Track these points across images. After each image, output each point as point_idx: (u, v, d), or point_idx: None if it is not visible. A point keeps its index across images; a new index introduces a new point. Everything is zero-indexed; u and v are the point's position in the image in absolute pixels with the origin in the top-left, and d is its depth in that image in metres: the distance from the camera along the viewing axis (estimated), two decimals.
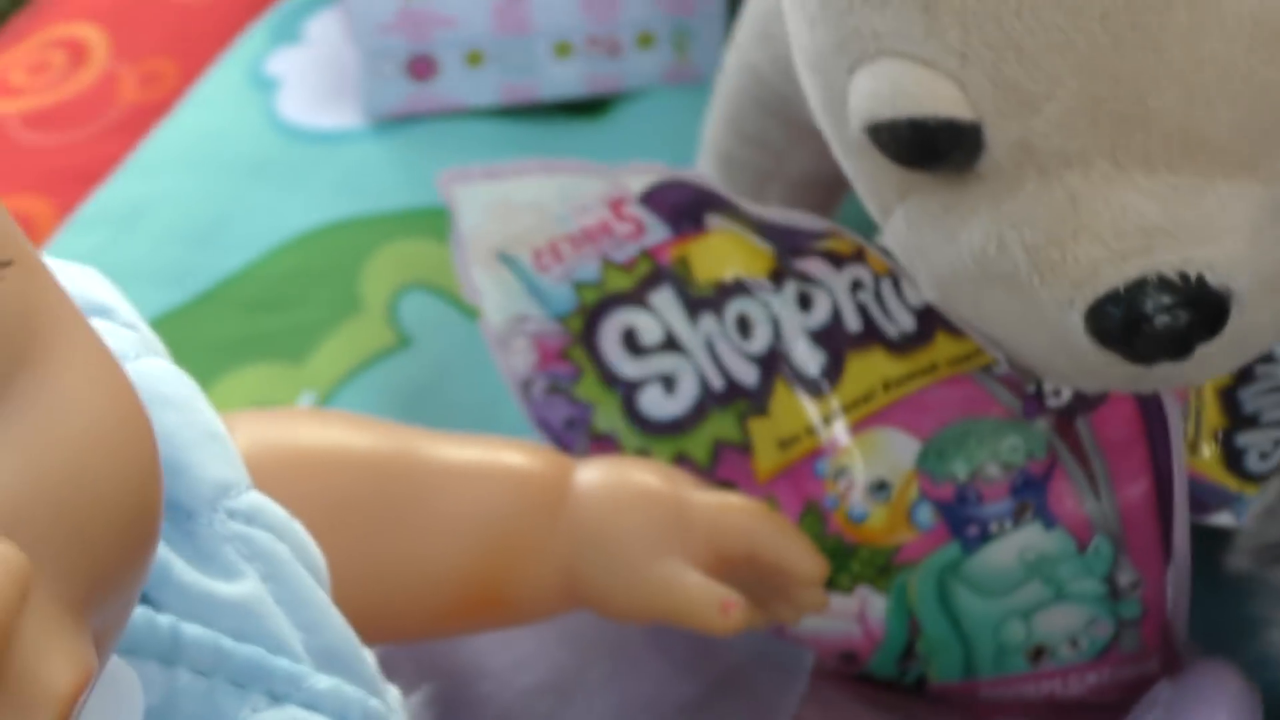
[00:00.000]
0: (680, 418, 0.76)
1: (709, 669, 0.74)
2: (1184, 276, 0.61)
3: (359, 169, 0.97)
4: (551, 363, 0.77)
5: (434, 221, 0.93)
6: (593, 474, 0.69)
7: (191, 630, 0.48)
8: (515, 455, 0.68)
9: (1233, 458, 0.77)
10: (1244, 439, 0.77)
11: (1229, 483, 0.77)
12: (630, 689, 0.73)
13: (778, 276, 0.74)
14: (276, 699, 0.49)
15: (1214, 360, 0.64)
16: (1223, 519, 0.76)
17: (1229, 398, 0.78)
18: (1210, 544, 0.74)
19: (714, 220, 0.75)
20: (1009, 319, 0.65)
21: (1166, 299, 0.61)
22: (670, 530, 0.67)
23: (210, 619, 0.49)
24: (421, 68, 0.96)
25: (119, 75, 1.05)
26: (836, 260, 0.74)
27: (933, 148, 0.63)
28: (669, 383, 0.76)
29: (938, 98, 0.62)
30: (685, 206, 0.75)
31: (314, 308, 0.91)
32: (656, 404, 0.76)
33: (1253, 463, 0.77)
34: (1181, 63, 0.59)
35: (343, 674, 0.52)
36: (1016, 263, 0.63)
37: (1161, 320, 0.61)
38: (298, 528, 0.54)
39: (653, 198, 0.75)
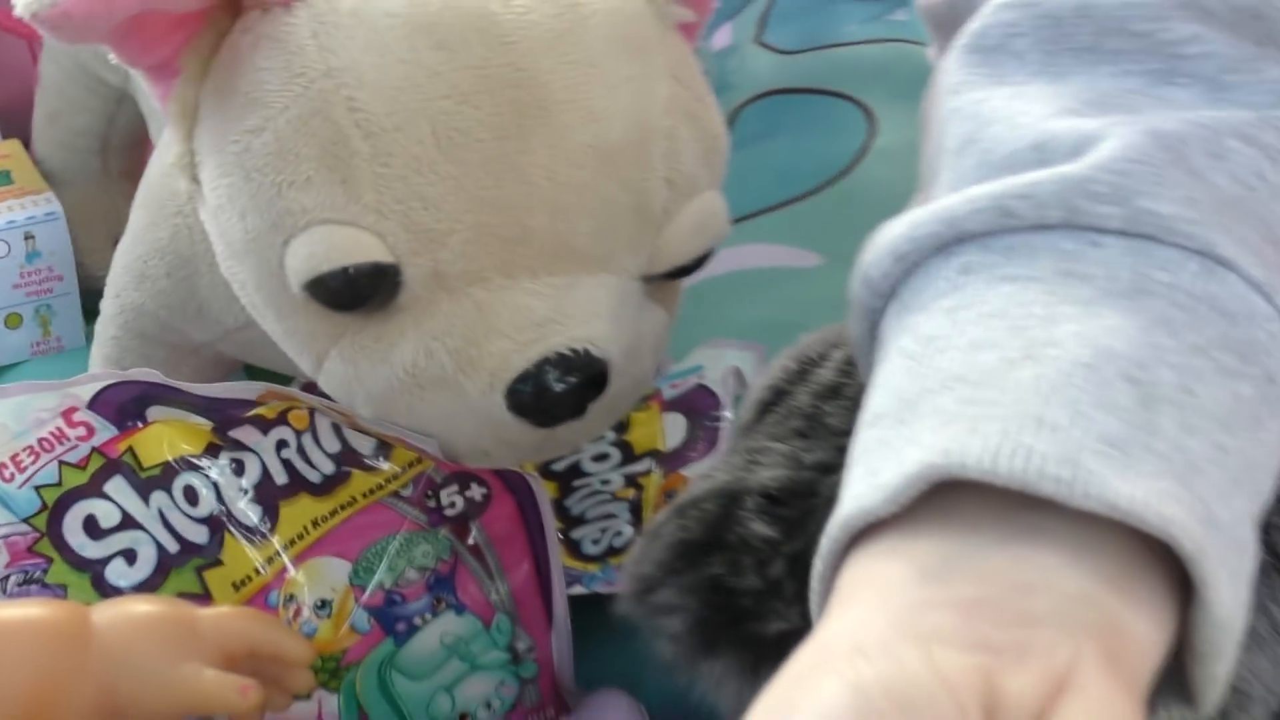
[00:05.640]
0: (145, 581, 0.84)
1: None
2: (574, 351, 0.76)
3: None
4: (22, 559, 0.85)
5: None
6: (107, 610, 0.76)
7: None
8: (33, 608, 0.76)
9: (573, 547, 0.94)
10: (577, 534, 0.94)
11: (575, 565, 0.93)
12: None
13: (215, 449, 0.85)
14: None
15: (598, 418, 0.80)
16: (575, 590, 0.92)
17: (560, 506, 0.94)
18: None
19: (156, 411, 0.85)
20: (441, 414, 0.78)
21: (563, 371, 0.75)
22: (184, 640, 0.76)
23: None
24: None
25: None
26: (264, 425, 0.86)
27: (362, 290, 0.75)
28: (130, 556, 0.85)
29: (364, 248, 0.74)
30: (129, 405, 0.85)
31: None
32: (122, 574, 0.84)
33: (588, 548, 0.94)
34: (547, 189, 0.75)
35: None
36: (443, 366, 0.76)
37: (562, 387, 0.76)
38: None
39: (99, 401, 0.85)
